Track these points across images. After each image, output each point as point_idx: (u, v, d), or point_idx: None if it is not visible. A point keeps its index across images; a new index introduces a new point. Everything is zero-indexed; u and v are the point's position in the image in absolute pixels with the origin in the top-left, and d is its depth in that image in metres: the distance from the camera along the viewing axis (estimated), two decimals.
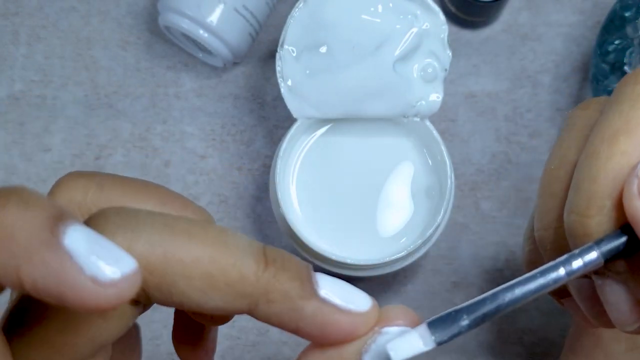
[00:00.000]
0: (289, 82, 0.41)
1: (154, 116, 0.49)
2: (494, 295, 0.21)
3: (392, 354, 0.20)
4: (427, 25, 0.41)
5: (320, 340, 0.20)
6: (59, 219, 0.16)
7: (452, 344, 0.49)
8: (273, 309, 0.19)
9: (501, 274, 0.47)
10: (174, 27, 0.45)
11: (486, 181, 0.48)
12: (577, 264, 0.20)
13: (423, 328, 0.20)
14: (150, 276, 0.18)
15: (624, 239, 0.20)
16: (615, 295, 0.22)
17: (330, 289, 0.20)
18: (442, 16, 0.41)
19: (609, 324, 0.24)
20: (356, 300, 0.20)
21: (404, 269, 0.42)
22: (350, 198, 0.42)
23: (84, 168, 0.48)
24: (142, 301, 0.19)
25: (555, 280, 0.20)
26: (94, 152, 0.48)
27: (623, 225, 0.21)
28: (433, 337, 0.20)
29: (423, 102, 0.41)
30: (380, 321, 0.20)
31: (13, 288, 0.16)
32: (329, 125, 0.43)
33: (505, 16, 0.50)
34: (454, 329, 0.20)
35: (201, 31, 0.44)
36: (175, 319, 0.26)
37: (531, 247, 0.26)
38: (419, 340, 0.20)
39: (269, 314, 0.19)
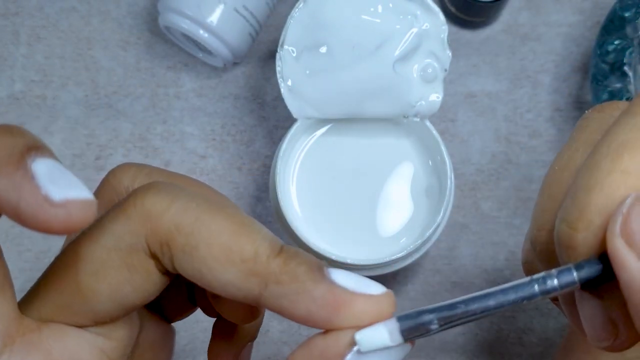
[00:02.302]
0: (289, 82, 0.41)
1: (154, 116, 0.49)
2: (467, 302, 0.20)
3: (360, 344, 0.20)
4: (427, 26, 0.41)
5: (331, 325, 0.20)
6: (34, 148, 0.18)
7: (452, 343, 0.49)
8: (282, 290, 0.20)
9: (501, 274, 0.47)
10: (174, 27, 0.45)
11: (486, 181, 0.48)
12: (552, 284, 0.20)
13: (392, 323, 0.20)
14: (179, 236, 0.20)
15: (601, 266, 0.20)
16: (591, 309, 0.22)
17: (342, 276, 0.20)
18: (442, 16, 0.41)
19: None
20: (370, 286, 0.20)
21: (404, 269, 0.42)
22: (350, 198, 0.42)
23: (84, 168, 0.48)
24: (167, 267, 0.20)
25: (529, 297, 0.20)
26: (94, 152, 0.48)
27: (602, 254, 0.20)
28: (400, 333, 0.20)
29: (423, 102, 0.41)
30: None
31: None
32: (329, 126, 0.43)
33: (505, 16, 0.50)
34: (421, 330, 0.20)
35: (201, 31, 0.44)
36: (213, 333, 0.27)
37: (528, 247, 0.26)
38: (386, 334, 0.20)
39: (278, 296, 0.20)
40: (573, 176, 0.22)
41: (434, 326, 0.20)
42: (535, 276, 0.20)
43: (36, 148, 0.18)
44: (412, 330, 0.20)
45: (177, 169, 0.48)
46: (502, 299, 0.20)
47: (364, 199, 0.42)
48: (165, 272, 0.21)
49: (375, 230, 0.42)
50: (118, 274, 0.20)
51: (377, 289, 0.20)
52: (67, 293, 0.21)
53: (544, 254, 0.23)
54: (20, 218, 0.18)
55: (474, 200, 0.48)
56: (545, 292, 0.20)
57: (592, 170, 0.20)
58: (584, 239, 0.20)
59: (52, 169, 0.18)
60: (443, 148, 0.41)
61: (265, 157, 0.49)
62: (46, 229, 0.18)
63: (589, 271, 0.20)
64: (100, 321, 0.21)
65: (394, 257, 0.39)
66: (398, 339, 0.20)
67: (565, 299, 0.24)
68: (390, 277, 0.47)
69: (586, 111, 0.24)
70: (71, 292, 0.20)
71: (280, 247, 0.20)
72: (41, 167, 0.18)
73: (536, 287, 0.20)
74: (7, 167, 0.17)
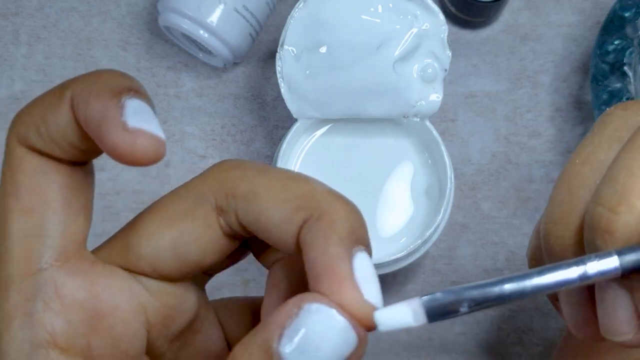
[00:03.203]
0: (289, 83, 0.41)
1: None
2: (501, 285, 0.19)
3: (379, 323, 0.19)
4: (427, 26, 0.41)
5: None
6: (133, 90, 0.20)
7: (452, 343, 0.49)
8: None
9: (501, 274, 0.47)
10: (174, 28, 0.45)
11: (486, 181, 0.48)
12: (593, 269, 0.19)
13: (416, 303, 0.19)
14: (242, 184, 0.21)
15: None
16: (614, 300, 0.21)
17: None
18: (441, 16, 0.41)
19: (590, 334, 0.23)
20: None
21: (404, 269, 0.42)
22: (350, 198, 0.42)
23: None
24: (230, 222, 0.21)
25: (567, 283, 0.19)
26: None
27: None
28: (425, 314, 0.19)
29: (423, 102, 0.41)
30: (302, 299, 0.19)
31: (77, 113, 0.20)
32: (328, 126, 0.43)
33: (505, 16, 0.50)
34: (449, 312, 0.19)
35: (201, 31, 0.44)
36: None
37: (536, 243, 0.26)
38: (410, 314, 0.19)
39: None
40: (596, 170, 0.22)
41: (464, 309, 0.19)
42: (573, 260, 0.20)
43: (135, 91, 0.20)
44: (439, 312, 0.19)
45: (177, 169, 0.48)
46: (538, 283, 0.19)
47: (364, 199, 0.42)
48: (227, 234, 0.22)
49: (375, 230, 0.42)
50: (181, 221, 0.21)
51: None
52: (131, 236, 0.22)
53: (559, 248, 0.23)
54: (99, 136, 0.19)
55: (473, 200, 0.48)
56: (584, 278, 0.19)
57: (635, 154, 0.20)
58: (625, 223, 0.20)
59: (141, 107, 0.20)
60: (443, 148, 0.41)
61: (265, 157, 0.49)
62: (114, 151, 0.19)
63: (633, 256, 0.19)
64: (157, 271, 0.22)
65: (394, 257, 0.39)
66: (422, 319, 0.19)
67: (567, 294, 0.24)
68: (391, 277, 0.47)
69: (607, 108, 0.24)
70: (135, 234, 0.22)
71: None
72: (132, 103, 0.20)
73: (575, 270, 0.19)
74: (105, 96, 0.20)
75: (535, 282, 0.19)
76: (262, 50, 0.49)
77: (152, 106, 0.21)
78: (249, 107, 0.49)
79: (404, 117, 0.41)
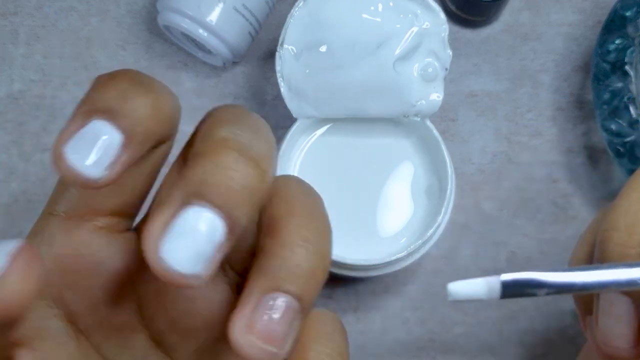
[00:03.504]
0: (289, 82, 0.41)
1: None
2: (584, 275, 0.19)
3: (450, 293, 0.20)
4: (427, 25, 0.40)
5: None
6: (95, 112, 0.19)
7: (453, 344, 0.49)
8: None
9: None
10: (174, 27, 0.45)
11: (487, 181, 0.48)
12: None
13: (496, 281, 0.20)
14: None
15: None
16: (621, 310, 0.22)
17: None
18: (442, 15, 0.40)
19: (617, 350, 0.23)
20: None
21: (404, 269, 0.42)
22: (350, 198, 0.42)
23: None
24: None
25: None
26: None
27: None
28: (501, 290, 0.19)
29: (423, 102, 0.41)
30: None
31: None
32: (328, 125, 0.43)
33: (506, 16, 0.49)
34: (524, 294, 0.20)
35: (201, 30, 0.44)
36: None
37: (583, 254, 0.25)
38: (485, 288, 0.20)
39: None
40: None
41: (541, 293, 0.19)
42: None
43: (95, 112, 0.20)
44: (514, 292, 0.20)
45: None
46: (622, 277, 0.19)
47: (364, 199, 0.42)
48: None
49: (375, 230, 0.42)
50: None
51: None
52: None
53: (617, 255, 0.23)
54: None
55: (474, 200, 0.48)
56: None
57: None
58: None
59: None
60: (443, 148, 0.41)
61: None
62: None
63: None
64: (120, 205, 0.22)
65: (394, 257, 0.39)
66: (496, 295, 0.20)
67: (610, 303, 0.23)
68: (391, 277, 0.47)
69: None
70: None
71: None
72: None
73: None
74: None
75: (618, 275, 0.19)
76: (261, 49, 0.49)
77: None
78: (249, 107, 0.49)
79: (405, 116, 0.41)
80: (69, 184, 0.22)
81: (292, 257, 0.20)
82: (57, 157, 0.19)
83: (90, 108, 0.19)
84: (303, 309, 0.20)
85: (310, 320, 0.23)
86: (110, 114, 0.19)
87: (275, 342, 0.19)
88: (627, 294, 0.21)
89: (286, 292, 0.20)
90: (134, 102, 0.20)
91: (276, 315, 0.19)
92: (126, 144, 0.19)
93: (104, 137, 0.19)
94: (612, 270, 0.20)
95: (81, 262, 0.22)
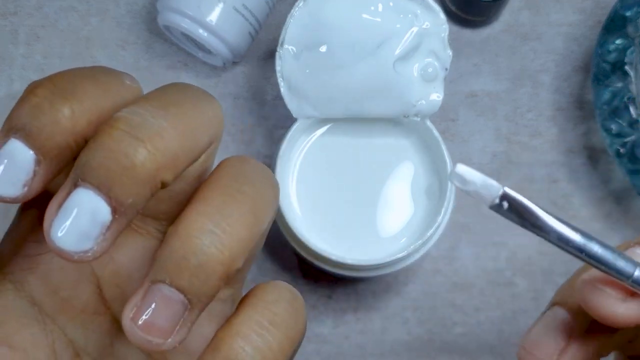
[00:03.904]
0: (289, 82, 0.41)
1: None
2: (587, 237, 0.20)
3: (457, 170, 0.21)
4: (427, 25, 0.40)
5: None
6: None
7: (453, 344, 0.49)
8: None
9: (502, 274, 0.47)
10: (174, 27, 0.45)
11: None
12: None
13: (496, 187, 0.20)
14: None
15: None
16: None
17: None
18: (442, 15, 0.40)
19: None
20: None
21: (404, 269, 0.42)
22: (350, 198, 0.42)
23: None
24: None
25: (621, 272, 0.20)
26: None
27: None
28: (500, 198, 0.20)
29: (423, 102, 0.41)
30: None
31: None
32: (328, 125, 0.43)
33: (506, 15, 0.49)
34: (517, 218, 0.20)
35: (200, 30, 0.44)
36: None
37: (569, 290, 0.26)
38: (486, 184, 0.21)
39: None
40: None
41: (531, 229, 0.20)
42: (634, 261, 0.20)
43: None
44: (506, 210, 0.21)
45: None
46: (602, 255, 0.20)
47: (364, 198, 0.42)
48: None
49: (375, 230, 0.42)
50: None
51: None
52: None
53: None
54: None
55: (474, 200, 0.47)
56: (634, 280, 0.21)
57: None
58: None
59: None
60: (443, 148, 0.41)
61: (265, 156, 0.48)
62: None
63: None
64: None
65: (394, 258, 0.39)
66: (490, 197, 0.21)
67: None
68: (391, 278, 0.47)
69: None
70: None
71: None
72: None
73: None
74: None
75: (613, 260, 0.20)
76: (261, 49, 0.49)
77: None
78: (249, 107, 0.49)
79: (405, 116, 0.41)
80: None
81: (181, 248, 0.20)
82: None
83: (8, 126, 0.20)
84: (193, 303, 0.20)
85: (255, 288, 0.22)
86: (22, 132, 0.20)
87: (159, 334, 0.19)
88: (571, 312, 0.22)
89: (171, 284, 0.20)
90: (46, 117, 0.20)
91: (159, 308, 0.19)
92: (40, 161, 0.20)
93: (19, 156, 0.20)
94: (610, 253, 0.20)
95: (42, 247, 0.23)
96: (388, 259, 0.39)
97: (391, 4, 0.40)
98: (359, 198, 0.42)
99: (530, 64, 0.49)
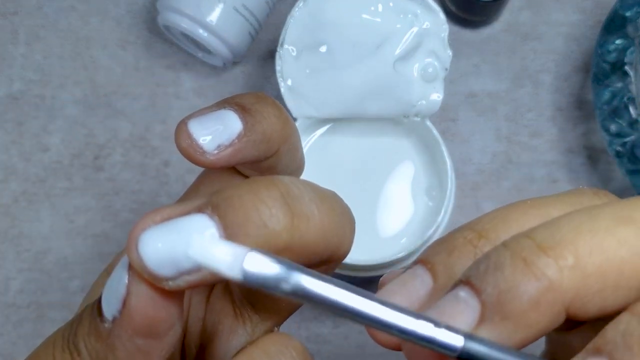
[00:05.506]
0: (289, 82, 0.41)
1: (153, 116, 0.49)
2: (341, 290, 0.15)
3: (192, 245, 0.16)
4: (427, 25, 0.40)
5: None
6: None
7: None
8: None
9: None
10: (174, 27, 0.45)
11: (487, 181, 0.48)
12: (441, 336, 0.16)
13: (245, 253, 0.15)
14: None
15: None
16: None
17: None
18: (442, 15, 0.40)
19: None
20: None
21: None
22: (350, 198, 0.42)
23: (83, 168, 0.48)
24: None
25: (411, 334, 0.16)
26: (93, 152, 0.48)
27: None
28: (243, 269, 0.15)
29: (423, 102, 0.41)
30: None
31: None
32: (328, 125, 0.43)
33: (506, 15, 0.49)
34: (267, 288, 0.15)
35: (201, 30, 0.44)
36: None
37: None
38: (229, 259, 0.15)
39: None
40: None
41: (283, 290, 0.15)
42: (426, 316, 0.16)
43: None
44: (255, 281, 0.15)
45: (177, 169, 0.48)
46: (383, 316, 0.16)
47: (364, 199, 0.42)
48: None
49: (375, 230, 0.42)
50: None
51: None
52: None
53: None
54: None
55: (474, 200, 0.48)
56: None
57: (593, 215, 0.18)
58: (552, 268, 0.17)
59: None
60: (443, 148, 0.41)
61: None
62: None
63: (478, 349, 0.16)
64: None
65: (394, 258, 0.39)
66: (236, 271, 0.15)
67: None
68: None
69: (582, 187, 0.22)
70: None
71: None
72: None
73: (426, 328, 0.16)
74: None
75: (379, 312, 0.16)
76: (261, 49, 0.49)
77: None
78: None
79: (405, 116, 0.41)
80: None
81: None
82: (179, 128, 0.22)
83: (225, 100, 0.23)
84: None
85: (263, 337, 0.21)
86: (240, 107, 0.22)
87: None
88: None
89: None
90: (264, 106, 0.22)
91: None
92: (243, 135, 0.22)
93: (227, 122, 0.22)
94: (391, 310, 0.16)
95: None
96: (388, 259, 0.39)
97: (391, 4, 0.40)
98: (359, 198, 0.42)
99: (530, 64, 0.49)
